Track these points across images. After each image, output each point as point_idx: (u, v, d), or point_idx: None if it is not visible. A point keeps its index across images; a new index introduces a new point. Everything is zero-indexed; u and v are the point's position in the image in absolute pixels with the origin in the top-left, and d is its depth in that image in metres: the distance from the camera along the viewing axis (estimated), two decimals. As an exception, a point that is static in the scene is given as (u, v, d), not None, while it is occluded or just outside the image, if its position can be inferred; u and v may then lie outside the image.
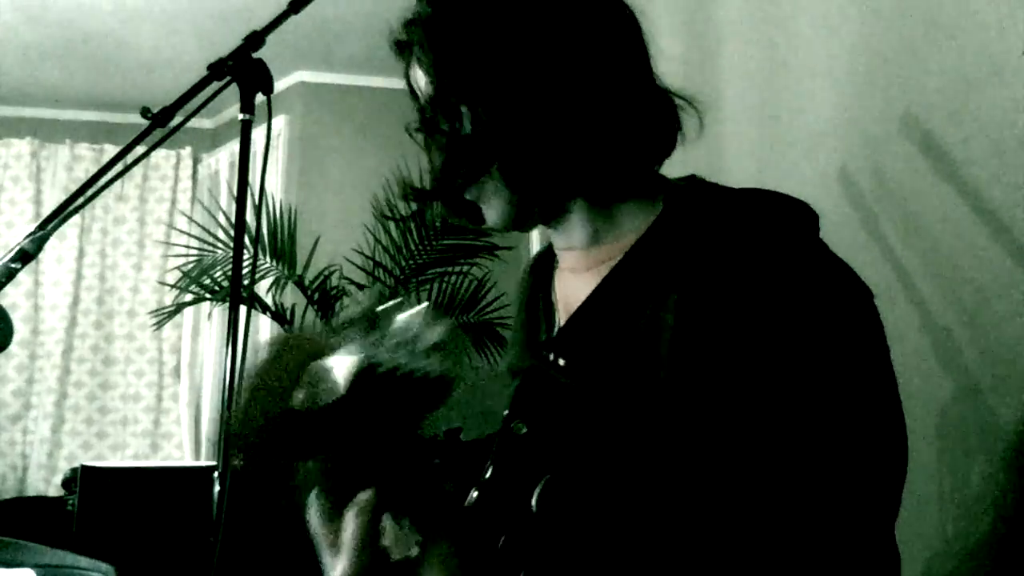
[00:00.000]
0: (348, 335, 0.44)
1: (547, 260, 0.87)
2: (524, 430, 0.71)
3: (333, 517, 0.53)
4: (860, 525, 0.59)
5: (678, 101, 0.78)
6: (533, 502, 0.62)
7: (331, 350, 0.43)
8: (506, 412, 0.76)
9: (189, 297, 3.29)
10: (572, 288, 0.78)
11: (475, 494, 0.66)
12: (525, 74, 0.70)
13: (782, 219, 0.68)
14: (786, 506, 0.57)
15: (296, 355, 0.44)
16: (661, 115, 0.76)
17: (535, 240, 3.34)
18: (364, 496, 0.51)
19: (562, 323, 0.77)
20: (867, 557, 0.59)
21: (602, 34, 0.73)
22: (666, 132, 0.76)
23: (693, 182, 0.77)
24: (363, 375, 0.43)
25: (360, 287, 3.29)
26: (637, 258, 0.72)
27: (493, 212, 0.76)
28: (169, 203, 4.40)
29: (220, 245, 3.22)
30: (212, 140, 4.49)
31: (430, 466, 0.52)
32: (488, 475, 0.68)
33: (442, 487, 0.52)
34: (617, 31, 0.75)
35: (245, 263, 1.39)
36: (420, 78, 0.75)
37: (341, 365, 0.43)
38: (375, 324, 0.44)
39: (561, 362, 0.71)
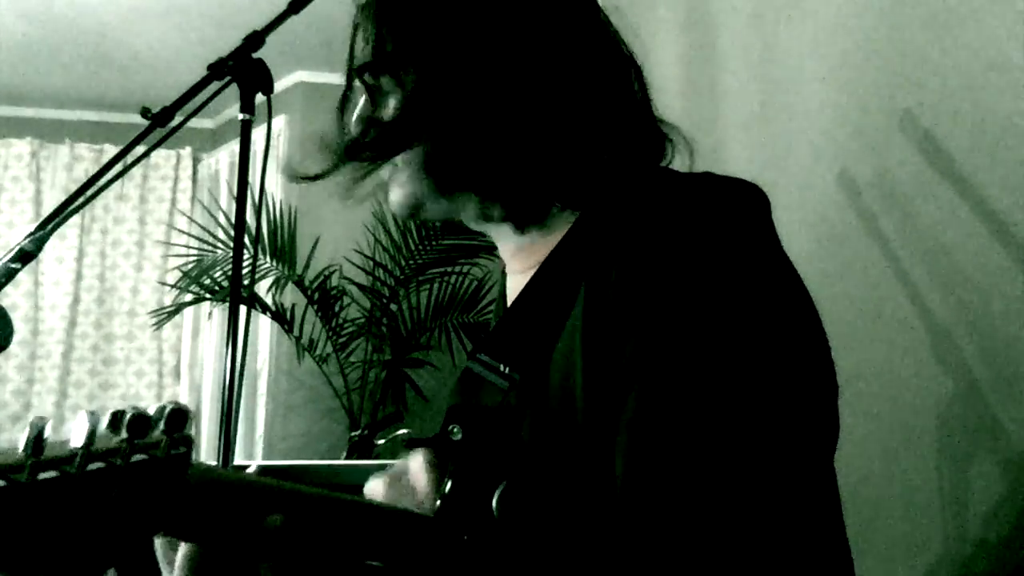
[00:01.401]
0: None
1: None
2: (459, 435, 0.70)
3: (169, 559, 0.53)
4: (787, 511, 0.57)
5: (667, 129, 0.75)
6: (494, 505, 0.62)
7: None
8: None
9: (189, 297, 3.29)
10: (513, 289, 0.77)
11: (438, 504, 0.65)
12: (477, 50, 0.69)
13: (696, 200, 0.63)
14: (707, 495, 0.56)
15: None
16: (611, 127, 0.72)
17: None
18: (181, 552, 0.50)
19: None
20: (805, 537, 0.58)
21: (566, 33, 0.71)
22: (617, 144, 0.72)
23: (637, 175, 0.71)
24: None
25: (360, 287, 3.29)
26: (560, 255, 0.70)
27: (398, 192, 0.75)
28: (169, 203, 4.40)
29: (220, 245, 3.22)
30: (212, 140, 4.49)
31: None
32: (448, 488, 0.67)
33: (261, 522, 0.49)
34: (585, 37, 0.73)
35: (245, 263, 1.39)
36: (365, 34, 0.73)
37: None
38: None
39: (505, 368, 0.70)
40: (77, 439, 0.40)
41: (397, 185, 0.76)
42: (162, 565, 0.54)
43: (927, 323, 1.21)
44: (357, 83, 0.76)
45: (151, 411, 0.43)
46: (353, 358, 3.27)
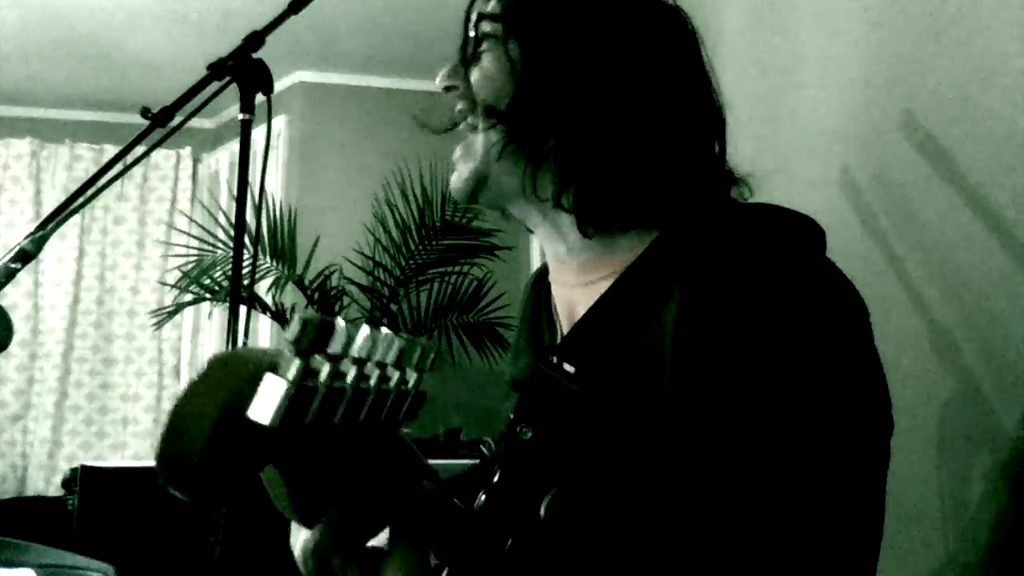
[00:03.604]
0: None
1: (547, 275, 0.87)
2: (529, 435, 0.71)
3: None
4: (849, 534, 0.60)
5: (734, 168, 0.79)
6: (542, 510, 0.62)
7: (279, 366, 0.37)
8: (511, 416, 0.76)
9: (189, 297, 3.29)
10: (571, 301, 0.78)
11: (483, 497, 0.66)
12: (613, 51, 0.71)
13: (782, 232, 0.68)
14: (779, 519, 0.58)
15: (244, 367, 0.38)
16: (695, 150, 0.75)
17: (535, 241, 3.33)
18: (315, 537, 0.50)
19: (566, 332, 0.77)
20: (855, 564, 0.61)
21: (685, 64, 0.75)
22: (695, 173, 0.75)
23: (708, 206, 0.76)
24: (322, 391, 0.38)
25: (360, 287, 3.30)
26: (641, 269, 0.72)
27: (464, 169, 0.76)
28: (169, 203, 4.39)
29: (220, 245, 3.22)
30: (212, 140, 4.49)
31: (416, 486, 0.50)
32: (496, 479, 0.68)
33: (419, 484, 0.50)
34: (696, 71, 0.77)
35: (245, 263, 1.39)
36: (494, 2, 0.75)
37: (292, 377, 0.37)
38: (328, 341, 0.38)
39: (570, 368, 0.71)
40: (374, 352, 0.40)
41: (468, 160, 0.76)
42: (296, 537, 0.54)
43: (927, 323, 1.21)
44: (474, 34, 0.76)
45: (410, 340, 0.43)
46: (353, 358, 3.26)
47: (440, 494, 0.51)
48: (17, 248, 1.08)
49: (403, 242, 3.18)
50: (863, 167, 1.40)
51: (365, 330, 0.38)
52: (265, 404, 0.35)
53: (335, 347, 0.37)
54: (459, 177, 0.77)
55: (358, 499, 0.50)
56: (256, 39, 1.28)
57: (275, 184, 3.97)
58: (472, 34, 0.76)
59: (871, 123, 1.38)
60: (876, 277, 1.31)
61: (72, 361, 4.18)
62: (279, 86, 3.92)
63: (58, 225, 1.13)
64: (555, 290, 0.82)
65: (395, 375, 0.42)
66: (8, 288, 1.07)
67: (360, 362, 0.39)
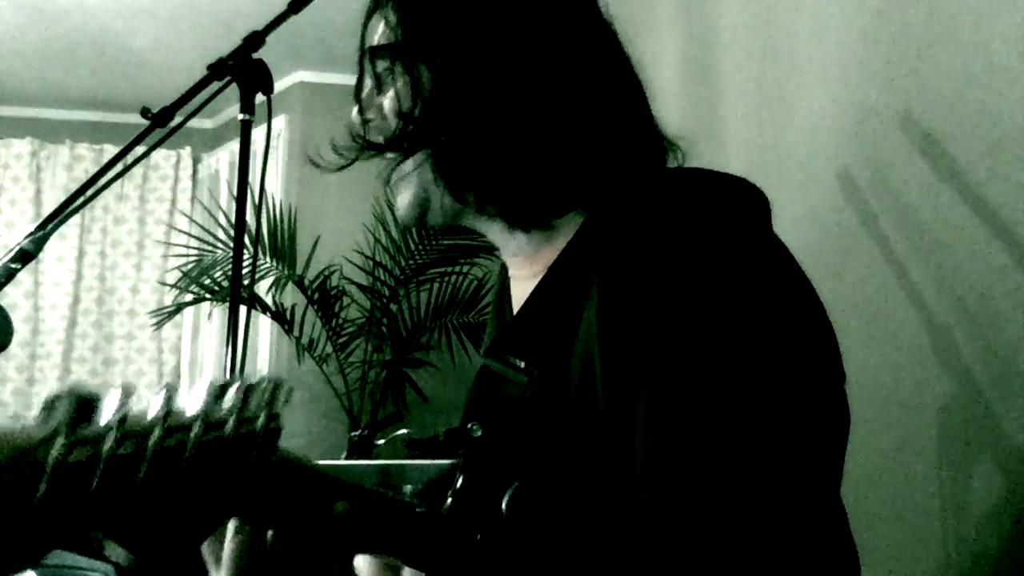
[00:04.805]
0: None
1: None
2: (479, 432, 0.71)
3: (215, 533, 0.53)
4: (799, 523, 0.58)
5: (671, 135, 0.76)
6: (503, 506, 0.62)
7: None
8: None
9: (189, 297, 3.29)
10: (521, 293, 0.78)
11: (449, 501, 0.66)
12: (492, 51, 0.70)
13: (704, 206, 0.64)
14: (730, 501, 0.56)
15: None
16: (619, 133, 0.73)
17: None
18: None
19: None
20: (818, 545, 0.58)
21: (573, 38, 0.73)
22: (620, 152, 0.73)
23: (639, 178, 0.73)
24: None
25: (360, 287, 3.30)
26: (570, 255, 0.71)
27: (406, 195, 0.76)
28: (169, 203, 4.39)
29: (220, 245, 3.22)
30: (212, 140, 4.49)
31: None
32: (459, 484, 0.67)
33: (330, 509, 0.49)
34: (590, 42, 0.74)
35: (245, 263, 1.39)
36: (386, 20, 0.74)
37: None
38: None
39: (520, 364, 0.70)
40: (193, 407, 0.39)
41: (405, 187, 0.76)
42: (209, 561, 0.54)
43: (927, 323, 1.21)
44: (368, 68, 0.76)
45: (251, 382, 0.43)
46: (353, 358, 3.27)
47: (354, 512, 0.50)
48: (17, 248, 1.08)
49: (403, 242, 3.18)
50: (863, 167, 1.40)
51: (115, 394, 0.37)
52: (31, 482, 0.34)
53: (112, 413, 0.36)
54: (403, 205, 0.77)
55: (256, 536, 0.50)
56: (256, 39, 1.28)
57: (275, 184, 3.96)
58: (371, 68, 0.76)
59: (871, 123, 1.38)
60: (876, 277, 1.31)
61: (72, 361, 4.18)
62: (279, 86, 3.92)
63: (58, 225, 1.13)
64: (512, 284, 0.82)
65: (231, 420, 0.42)
66: (8, 288, 1.07)
67: (165, 417, 0.38)
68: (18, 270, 1.07)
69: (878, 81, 1.37)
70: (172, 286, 3.47)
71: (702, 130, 2.00)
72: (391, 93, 0.75)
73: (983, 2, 1.13)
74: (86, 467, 0.36)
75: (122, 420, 0.37)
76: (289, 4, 1.28)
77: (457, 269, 3.24)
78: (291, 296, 3.27)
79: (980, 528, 1.09)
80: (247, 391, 0.42)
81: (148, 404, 0.39)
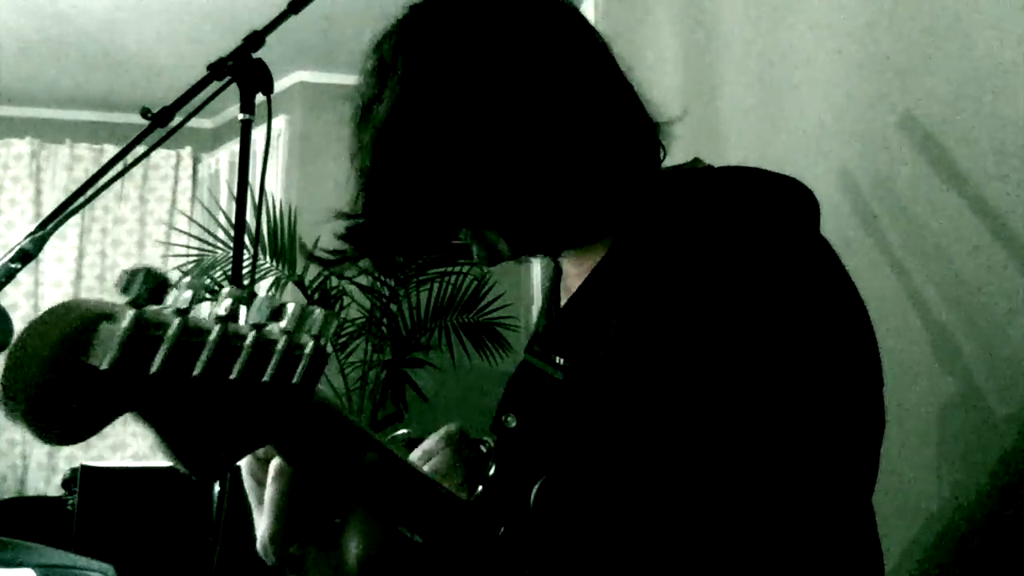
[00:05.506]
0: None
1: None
2: (514, 423, 0.72)
3: (258, 478, 0.54)
4: (832, 521, 0.59)
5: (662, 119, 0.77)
6: (531, 499, 0.63)
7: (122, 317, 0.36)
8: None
9: (189, 297, 3.28)
10: (571, 290, 0.79)
11: (480, 489, 0.66)
12: (507, 120, 0.69)
13: (758, 202, 0.66)
14: (761, 498, 0.57)
15: (78, 312, 0.36)
16: (639, 142, 0.75)
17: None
18: (268, 527, 0.51)
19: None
20: (845, 546, 0.59)
21: (579, 67, 0.72)
22: (646, 154, 0.75)
23: (680, 172, 0.75)
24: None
25: (360, 287, 3.29)
26: (609, 260, 0.72)
27: (476, 254, 0.78)
28: (169, 203, 4.40)
29: (220, 245, 3.22)
30: (212, 140, 4.49)
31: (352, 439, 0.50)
32: (492, 472, 0.68)
33: (361, 457, 0.50)
34: (593, 63, 0.74)
35: (245, 263, 1.39)
36: (389, 90, 0.72)
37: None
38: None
39: (559, 360, 0.71)
40: (250, 319, 0.39)
41: (478, 248, 0.78)
42: (253, 503, 0.55)
43: (927, 323, 1.21)
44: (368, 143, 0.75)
45: (305, 308, 0.43)
46: (353, 358, 3.26)
47: (384, 464, 0.51)
48: (17, 248, 1.08)
49: (403, 242, 3.18)
50: (863, 167, 1.40)
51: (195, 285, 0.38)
52: (101, 349, 0.35)
53: (180, 301, 0.37)
54: (480, 260, 0.79)
55: (295, 480, 0.51)
56: (256, 39, 1.28)
57: (275, 184, 3.97)
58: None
59: (871, 123, 1.38)
60: (876, 277, 1.31)
61: (72, 361, 4.18)
62: (279, 86, 3.92)
63: (58, 225, 1.13)
64: (564, 280, 0.84)
65: (282, 339, 0.42)
66: (8, 288, 1.07)
67: (226, 319, 0.39)
68: (18, 270, 1.07)
69: (879, 81, 1.37)
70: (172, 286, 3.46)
71: (702, 130, 2.00)
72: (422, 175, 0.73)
73: (982, 2, 1.13)
74: (150, 346, 0.36)
75: (187, 311, 0.37)
76: (289, 4, 1.28)
77: (457, 269, 3.24)
78: (291, 296, 3.27)
79: (980, 528, 1.09)
80: (301, 316, 0.42)
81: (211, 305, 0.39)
